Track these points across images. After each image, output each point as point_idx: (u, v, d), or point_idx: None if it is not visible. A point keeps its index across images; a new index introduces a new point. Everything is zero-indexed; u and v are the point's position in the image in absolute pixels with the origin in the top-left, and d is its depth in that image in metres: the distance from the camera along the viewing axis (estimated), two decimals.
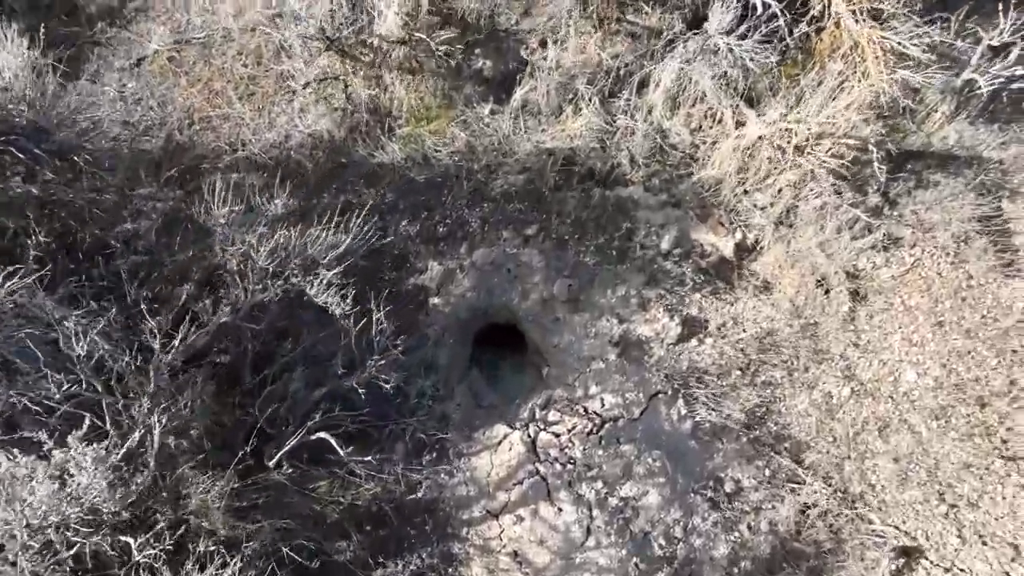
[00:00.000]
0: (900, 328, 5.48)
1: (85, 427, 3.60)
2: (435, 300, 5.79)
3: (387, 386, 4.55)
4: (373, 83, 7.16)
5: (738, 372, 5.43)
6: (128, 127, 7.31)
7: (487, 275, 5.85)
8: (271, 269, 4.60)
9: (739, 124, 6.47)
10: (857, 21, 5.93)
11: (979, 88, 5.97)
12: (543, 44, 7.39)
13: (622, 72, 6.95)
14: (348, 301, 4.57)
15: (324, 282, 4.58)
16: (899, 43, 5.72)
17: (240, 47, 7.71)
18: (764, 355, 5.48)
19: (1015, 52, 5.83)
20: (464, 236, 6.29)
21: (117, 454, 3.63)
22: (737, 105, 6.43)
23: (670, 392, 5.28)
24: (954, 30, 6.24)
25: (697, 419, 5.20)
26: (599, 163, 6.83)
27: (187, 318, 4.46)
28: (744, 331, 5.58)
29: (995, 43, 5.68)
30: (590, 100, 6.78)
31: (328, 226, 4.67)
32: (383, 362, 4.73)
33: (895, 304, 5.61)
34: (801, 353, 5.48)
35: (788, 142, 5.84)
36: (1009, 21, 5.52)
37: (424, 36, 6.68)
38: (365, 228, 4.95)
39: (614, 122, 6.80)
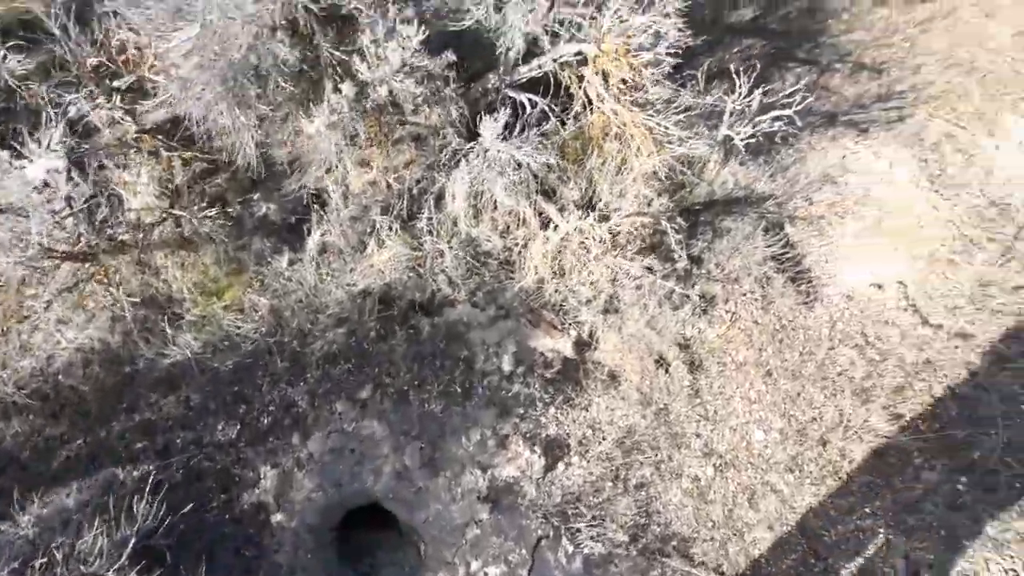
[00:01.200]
0: (738, 388, 5.66)
1: None
2: (278, 517, 5.01)
3: None
4: (139, 271, 6.15)
5: (610, 484, 5.27)
6: None
7: (330, 465, 5.17)
8: None
9: (545, 221, 6.40)
10: (620, 104, 6.07)
11: (735, 141, 6.39)
12: (327, 171, 6.82)
13: (415, 191, 6.55)
14: None
15: None
16: (659, 124, 5.95)
17: None
18: (629, 457, 5.38)
19: (755, 103, 6.30)
20: (294, 422, 5.53)
21: None
22: (535, 201, 6.34)
23: (552, 534, 4.98)
24: (702, 85, 6.65)
25: (585, 552, 4.95)
26: (418, 292, 6.35)
27: None
28: (605, 437, 5.45)
29: (738, 106, 6.08)
30: (391, 229, 6.34)
31: (106, 524, 3.77)
32: None
33: (727, 364, 5.78)
34: (661, 443, 5.45)
35: (590, 239, 5.85)
36: (745, 86, 5.92)
37: (183, 213, 5.83)
38: (159, 499, 4.11)
39: (422, 246, 6.38)
